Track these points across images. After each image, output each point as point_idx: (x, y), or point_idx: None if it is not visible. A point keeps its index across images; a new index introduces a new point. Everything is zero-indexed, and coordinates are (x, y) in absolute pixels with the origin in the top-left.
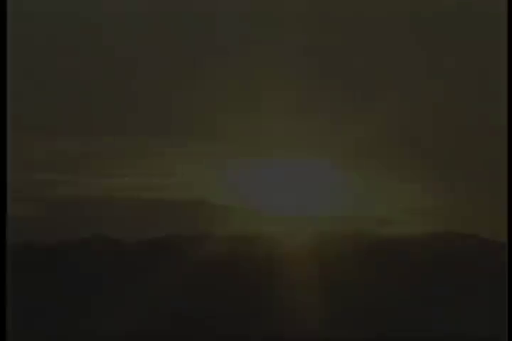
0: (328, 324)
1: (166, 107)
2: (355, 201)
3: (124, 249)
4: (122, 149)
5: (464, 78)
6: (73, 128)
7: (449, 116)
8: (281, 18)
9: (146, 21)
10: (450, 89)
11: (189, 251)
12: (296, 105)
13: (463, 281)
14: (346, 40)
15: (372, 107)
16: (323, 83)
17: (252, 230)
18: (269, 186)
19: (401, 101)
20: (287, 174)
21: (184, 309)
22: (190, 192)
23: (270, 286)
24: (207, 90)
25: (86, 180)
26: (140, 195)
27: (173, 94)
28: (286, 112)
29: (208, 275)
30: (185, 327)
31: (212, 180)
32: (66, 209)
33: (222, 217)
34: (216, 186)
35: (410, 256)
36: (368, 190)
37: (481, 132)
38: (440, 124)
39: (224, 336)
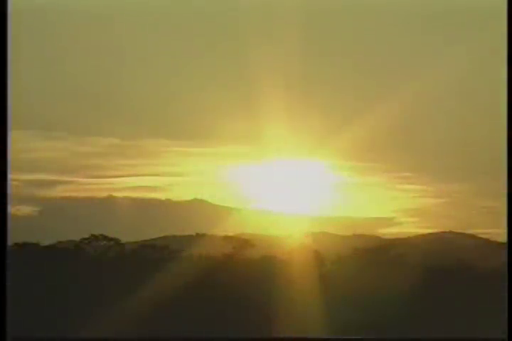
0: (328, 325)
1: (166, 108)
2: (353, 201)
3: (124, 249)
4: (123, 149)
5: (464, 78)
6: (73, 128)
7: (448, 116)
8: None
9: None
10: (449, 91)
11: (188, 251)
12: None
13: (463, 281)
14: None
15: (371, 108)
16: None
17: (252, 230)
18: (269, 186)
19: (399, 102)
20: (287, 174)
21: (183, 309)
22: (189, 192)
23: (269, 287)
24: (206, 91)
25: (86, 180)
26: (140, 195)
27: (172, 94)
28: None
29: (206, 275)
30: (185, 328)
31: (212, 180)
32: (66, 209)
33: (222, 217)
34: (216, 186)
35: (410, 256)
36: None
37: (480, 131)
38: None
39: (223, 337)
